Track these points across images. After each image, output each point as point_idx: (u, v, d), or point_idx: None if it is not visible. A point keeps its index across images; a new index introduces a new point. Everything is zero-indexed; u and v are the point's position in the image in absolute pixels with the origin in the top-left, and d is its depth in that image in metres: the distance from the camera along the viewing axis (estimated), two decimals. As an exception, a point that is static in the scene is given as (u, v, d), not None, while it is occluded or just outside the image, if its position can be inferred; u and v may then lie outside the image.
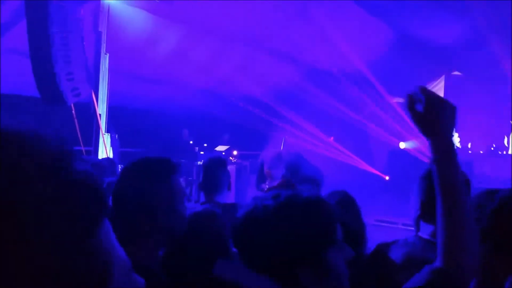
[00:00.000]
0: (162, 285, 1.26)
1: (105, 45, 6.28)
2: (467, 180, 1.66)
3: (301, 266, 0.91)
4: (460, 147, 11.24)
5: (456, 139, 11.46)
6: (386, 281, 1.51)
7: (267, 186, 4.83)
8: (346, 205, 1.91)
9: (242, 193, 7.83)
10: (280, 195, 0.97)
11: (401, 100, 10.30)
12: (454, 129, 1.04)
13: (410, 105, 1.04)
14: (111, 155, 5.77)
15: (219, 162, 2.76)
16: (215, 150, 9.16)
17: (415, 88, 1.05)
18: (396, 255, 1.57)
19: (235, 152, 9.11)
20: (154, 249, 1.33)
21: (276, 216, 0.93)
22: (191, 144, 9.05)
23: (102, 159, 4.39)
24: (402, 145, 11.32)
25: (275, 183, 4.69)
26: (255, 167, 9.05)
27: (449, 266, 0.94)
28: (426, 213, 1.58)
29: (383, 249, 1.64)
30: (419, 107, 1.03)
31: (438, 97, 1.04)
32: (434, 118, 1.02)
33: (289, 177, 4.63)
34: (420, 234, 1.59)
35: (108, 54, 6.27)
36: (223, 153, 8.92)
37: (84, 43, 5.63)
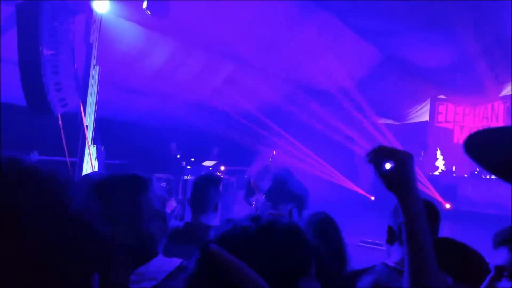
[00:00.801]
0: None
1: (95, 56, 6.26)
2: (434, 209, 1.71)
3: None
4: (444, 169, 11.38)
5: (440, 162, 11.62)
6: None
7: (254, 201, 4.83)
8: (326, 226, 1.92)
9: (229, 210, 7.78)
10: (261, 218, 0.95)
11: (388, 121, 10.45)
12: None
13: (375, 162, 1.06)
14: (96, 167, 5.71)
15: (211, 180, 2.68)
16: (202, 165, 9.12)
17: (372, 150, 1.07)
18: (363, 283, 1.58)
19: (222, 168, 9.09)
20: (123, 271, 1.27)
21: (256, 238, 0.90)
22: (178, 158, 9.01)
23: (91, 173, 4.34)
24: (388, 165, 11.38)
25: (261, 196, 4.70)
26: (242, 182, 9.05)
27: None
28: (393, 241, 1.62)
29: (352, 277, 1.65)
30: (385, 165, 1.04)
31: (403, 152, 1.05)
32: (405, 175, 1.03)
33: (274, 190, 4.65)
34: (386, 261, 1.62)
35: (98, 66, 6.25)
36: (210, 168, 8.89)
37: (75, 54, 5.62)
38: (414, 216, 1.02)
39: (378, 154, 1.06)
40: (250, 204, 5.00)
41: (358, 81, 10.39)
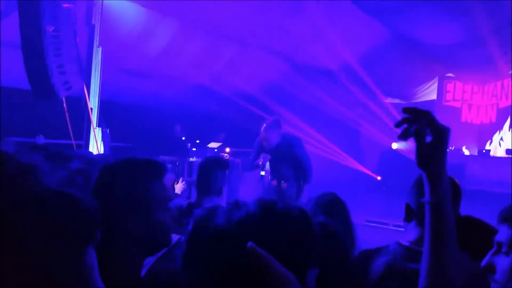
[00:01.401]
0: None
1: (98, 38, 6.21)
2: (457, 187, 1.66)
3: None
4: (452, 148, 11.30)
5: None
6: None
7: (261, 160, 4.84)
8: (335, 206, 1.90)
9: (234, 191, 7.80)
10: (269, 204, 0.86)
11: (395, 100, 10.32)
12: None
13: (418, 130, 0.95)
14: (102, 150, 5.72)
15: (217, 163, 2.63)
16: (208, 147, 9.12)
17: (417, 110, 0.95)
18: (377, 264, 1.55)
19: (227, 149, 9.08)
20: (135, 261, 1.21)
21: (264, 226, 0.82)
22: (183, 140, 9.00)
23: (96, 155, 4.34)
24: (395, 145, 11.36)
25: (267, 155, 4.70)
26: (247, 164, 9.05)
27: None
28: (411, 219, 1.58)
29: (365, 257, 1.61)
30: (427, 137, 0.95)
31: (446, 128, 0.95)
32: (440, 154, 0.95)
33: (280, 150, 4.67)
34: (400, 240, 1.59)
35: (101, 48, 6.20)
36: (216, 150, 8.89)
37: (77, 36, 5.56)
38: (442, 196, 0.95)
39: (419, 120, 0.94)
40: (257, 165, 5.00)
41: (364, 60, 10.24)
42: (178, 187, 3.56)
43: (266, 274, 0.70)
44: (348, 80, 10.56)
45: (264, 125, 4.87)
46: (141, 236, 1.17)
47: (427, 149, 0.95)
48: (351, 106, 11.28)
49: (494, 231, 1.61)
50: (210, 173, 2.56)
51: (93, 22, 6.18)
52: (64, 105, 5.59)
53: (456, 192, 1.63)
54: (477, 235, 1.52)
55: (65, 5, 5.03)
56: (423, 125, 0.94)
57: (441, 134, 0.93)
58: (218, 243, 0.78)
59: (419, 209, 1.55)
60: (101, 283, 0.73)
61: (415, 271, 1.45)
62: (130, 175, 1.20)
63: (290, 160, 4.74)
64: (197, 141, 9.47)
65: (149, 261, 1.34)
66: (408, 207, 1.60)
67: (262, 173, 4.87)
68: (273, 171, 4.91)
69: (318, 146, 10.67)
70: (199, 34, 8.47)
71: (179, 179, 3.67)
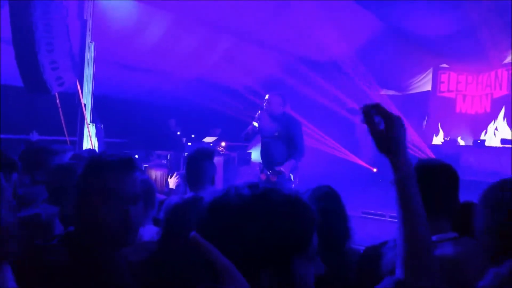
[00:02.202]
0: (120, 274, 1.22)
1: (90, 33, 6.15)
2: (454, 174, 1.65)
3: (265, 266, 0.82)
4: (447, 139, 11.34)
5: (441, 134, 11.57)
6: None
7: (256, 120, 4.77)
8: (331, 199, 1.89)
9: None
10: (258, 186, 0.88)
11: (390, 92, 10.35)
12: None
13: (369, 120, 1.07)
14: (96, 146, 5.69)
15: (205, 154, 2.67)
16: (203, 141, 9.10)
17: (369, 104, 1.08)
18: (388, 258, 1.54)
19: (223, 144, 9.07)
20: (108, 254, 1.27)
21: (250, 205, 0.83)
22: (178, 134, 8.97)
23: (83, 150, 4.33)
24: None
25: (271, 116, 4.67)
26: (243, 158, 9.03)
27: (408, 278, 1.01)
28: None
29: (372, 254, 1.62)
30: (378, 124, 1.07)
31: (394, 115, 1.08)
32: (395, 136, 1.06)
33: (280, 124, 4.65)
34: None
35: (93, 43, 6.15)
36: (211, 144, 8.87)
37: (69, 31, 5.51)
38: (405, 176, 1.05)
39: (371, 112, 1.07)
40: (247, 133, 4.95)
41: (359, 52, 10.23)
42: (172, 181, 3.54)
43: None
44: (343, 73, 10.54)
45: (273, 92, 4.91)
46: (113, 229, 1.23)
47: (382, 136, 1.07)
48: (347, 98, 11.28)
49: None
50: (199, 165, 2.59)
51: (85, 17, 6.12)
52: (57, 101, 5.55)
53: (453, 179, 1.64)
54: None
55: (56, -1, 4.98)
56: (373, 115, 1.07)
57: (390, 121, 1.06)
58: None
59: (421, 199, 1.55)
60: None
61: None
62: (100, 170, 1.27)
63: (285, 137, 4.74)
64: (192, 136, 9.44)
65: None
66: None
67: (255, 123, 4.82)
68: (265, 153, 4.88)
69: (315, 138, 10.67)
70: (194, 27, 8.40)
71: (173, 173, 3.65)
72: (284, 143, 4.76)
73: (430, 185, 1.56)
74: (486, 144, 10.61)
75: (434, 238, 1.50)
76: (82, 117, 5.70)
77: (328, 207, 1.78)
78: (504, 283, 0.67)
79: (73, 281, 1.12)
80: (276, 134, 4.77)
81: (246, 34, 9.09)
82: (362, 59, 10.33)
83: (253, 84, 10.00)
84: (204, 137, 9.31)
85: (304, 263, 0.86)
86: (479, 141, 10.68)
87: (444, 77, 11.73)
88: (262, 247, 0.82)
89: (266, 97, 4.91)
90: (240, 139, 5.21)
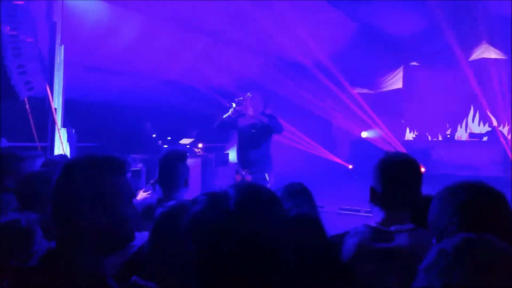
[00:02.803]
0: None
1: (59, 35, 6.01)
2: (417, 168, 1.71)
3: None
4: (418, 134, 11.62)
5: (411, 128, 11.84)
6: (341, 272, 1.54)
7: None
8: (303, 196, 1.91)
9: (208, 187, 7.77)
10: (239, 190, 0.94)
11: (363, 90, 10.49)
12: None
13: None
14: (68, 151, 5.56)
15: (177, 156, 2.64)
16: (180, 143, 9.02)
17: None
18: (348, 245, 1.59)
19: (200, 145, 9.01)
20: (98, 254, 1.22)
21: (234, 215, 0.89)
22: (153, 137, 8.87)
23: (55, 155, 4.23)
24: (364, 134, 11.57)
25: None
26: (221, 159, 8.99)
27: None
28: (375, 201, 1.62)
29: (335, 241, 1.66)
30: None
31: None
32: None
33: (260, 124, 4.66)
34: (368, 222, 1.63)
35: (63, 45, 6.01)
36: (188, 146, 8.80)
37: (37, 34, 5.36)
38: None
39: None
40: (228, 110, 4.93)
41: (332, 51, 10.36)
42: (141, 195, 3.38)
43: None
44: (318, 72, 10.66)
45: (252, 92, 4.91)
46: (105, 231, 1.18)
47: None
48: (322, 97, 11.40)
49: None
50: (173, 167, 2.56)
51: (54, 19, 5.98)
52: (27, 106, 5.40)
53: (416, 173, 1.68)
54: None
55: (19, 2, 4.84)
56: None
57: None
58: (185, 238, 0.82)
59: (383, 191, 1.60)
60: None
61: (385, 250, 1.50)
62: (94, 171, 1.20)
63: (263, 133, 4.75)
64: (168, 138, 9.35)
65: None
66: (372, 190, 1.64)
67: (234, 104, 4.81)
68: (241, 151, 4.87)
69: (291, 137, 10.75)
70: (168, 28, 8.32)
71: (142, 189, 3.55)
72: (261, 140, 4.77)
73: (393, 178, 1.61)
74: (456, 138, 10.93)
75: (392, 228, 1.55)
76: (53, 122, 5.57)
77: (300, 203, 1.80)
78: (447, 259, 0.70)
79: None
80: (253, 131, 4.77)
81: (222, 35, 9.06)
82: (335, 59, 10.47)
83: (229, 85, 9.99)
84: (181, 139, 9.23)
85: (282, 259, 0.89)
86: (448, 136, 10.99)
87: (414, 74, 12.00)
88: (250, 249, 0.87)
89: (248, 94, 4.90)
90: (214, 130, 5.14)
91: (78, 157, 1.27)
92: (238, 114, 4.87)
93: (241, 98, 4.86)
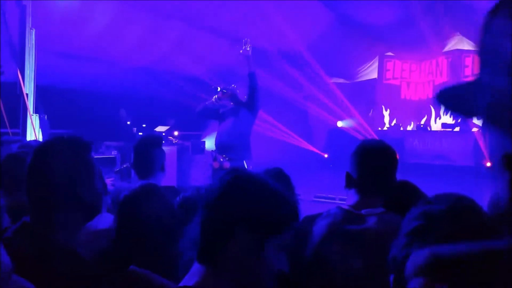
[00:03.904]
0: (82, 265, 1.22)
1: (30, 19, 5.82)
2: (392, 154, 1.76)
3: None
4: (392, 125, 11.83)
5: (387, 119, 12.04)
6: (311, 252, 1.58)
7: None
8: (281, 180, 1.94)
9: (184, 174, 7.73)
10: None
11: (339, 80, 10.55)
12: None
13: None
14: (40, 137, 5.43)
15: (151, 141, 2.61)
16: (155, 130, 8.93)
17: None
18: (319, 226, 1.63)
19: (176, 133, 8.94)
20: (73, 228, 1.30)
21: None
22: (128, 125, 8.74)
23: (30, 141, 4.13)
24: (340, 123, 11.71)
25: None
26: (197, 147, 8.94)
27: None
28: (351, 186, 1.67)
29: (307, 222, 1.70)
30: None
31: None
32: None
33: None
34: (341, 205, 1.68)
35: (34, 30, 5.83)
36: (163, 134, 8.72)
37: (6, 18, 5.19)
38: None
39: None
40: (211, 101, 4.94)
41: (309, 41, 10.38)
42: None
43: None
44: (294, 61, 10.67)
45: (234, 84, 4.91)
46: (82, 203, 1.28)
47: None
48: (298, 87, 11.44)
49: (424, 195, 1.74)
50: (147, 153, 2.55)
51: (23, 2, 5.78)
52: (-3, 91, 5.23)
53: (391, 159, 1.74)
54: (410, 198, 1.65)
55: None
56: None
57: None
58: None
59: (359, 176, 1.65)
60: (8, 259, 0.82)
61: (354, 231, 1.55)
62: (68, 150, 1.31)
63: (242, 127, 4.75)
64: (144, 125, 9.23)
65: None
66: (348, 175, 1.69)
67: (216, 97, 4.82)
68: (220, 137, 4.86)
69: (267, 127, 10.77)
70: (141, 14, 8.16)
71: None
72: (241, 128, 4.76)
73: (369, 164, 1.66)
74: (429, 128, 11.19)
75: (363, 212, 1.60)
76: (25, 108, 5.42)
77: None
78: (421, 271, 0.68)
79: (36, 272, 1.10)
80: (234, 118, 4.77)
81: (196, 22, 8.95)
82: (312, 48, 10.50)
83: (204, 73, 9.90)
84: (156, 126, 9.13)
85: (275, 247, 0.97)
86: (422, 126, 11.23)
87: (389, 65, 12.17)
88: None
89: (233, 85, 4.89)
90: (195, 115, 5.11)
91: (49, 139, 1.39)
92: (220, 103, 4.86)
93: (224, 90, 4.86)
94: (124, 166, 4.73)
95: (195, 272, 0.98)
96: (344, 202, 1.74)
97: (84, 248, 1.30)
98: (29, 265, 1.11)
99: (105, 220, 1.49)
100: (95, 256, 1.36)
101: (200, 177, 7.21)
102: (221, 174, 1.05)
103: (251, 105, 4.76)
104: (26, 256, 1.13)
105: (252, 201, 1.00)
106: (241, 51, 4.97)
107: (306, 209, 2.13)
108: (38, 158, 1.30)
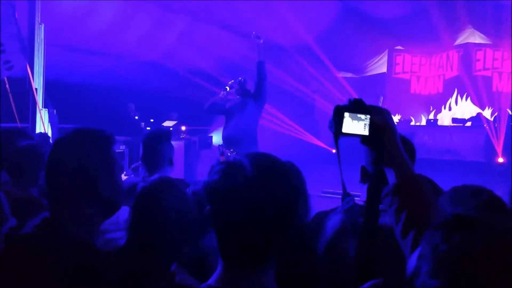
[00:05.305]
0: (100, 260, 1.20)
1: (39, 14, 5.85)
2: (411, 146, 1.74)
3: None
4: (401, 120, 11.73)
5: (396, 115, 11.96)
6: (326, 247, 1.57)
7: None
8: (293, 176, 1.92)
9: (191, 169, 7.76)
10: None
11: (347, 74, 10.50)
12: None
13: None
14: (49, 132, 5.48)
15: (160, 135, 2.62)
16: (162, 125, 8.95)
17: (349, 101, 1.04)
18: (333, 221, 1.62)
19: (183, 128, 8.96)
20: (93, 222, 1.28)
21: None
22: (136, 119, 8.77)
23: (35, 134, 4.17)
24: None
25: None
26: (204, 142, 8.96)
27: None
28: (366, 180, 1.65)
29: (320, 217, 1.68)
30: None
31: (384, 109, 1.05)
32: (381, 144, 1.04)
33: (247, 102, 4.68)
34: (356, 200, 1.66)
35: (43, 24, 5.86)
36: (171, 129, 8.74)
37: (16, 12, 5.22)
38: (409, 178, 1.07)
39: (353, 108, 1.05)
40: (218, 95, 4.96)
41: (317, 34, 10.30)
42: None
43: None
44: (302, 56, 10.61)
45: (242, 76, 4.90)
46: (103, 198, 1.25)
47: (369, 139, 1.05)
48: (305, 81, 11.39)
49: (440, 190, 1.72)
50: (157, 147, 2.56)
51: (33, -3, 5.81)
52: (7, 86, 5.28)
53: (411, 151, 1.72)
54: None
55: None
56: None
57: (383, 116, 1.06)
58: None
59: (374, 171, 1.62)
60: None
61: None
62: (93, 144, 1.28)
63: (249, 121, 4.74)
64: (151, 120, 9.26)
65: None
66: (363, 169, 1.67)
67: (227, 88, 4.82)
68: (226, 130, 4.86)
69: (275, 121, 10.75)
70: (148, 8, 8.16)
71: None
72: (248, 121, 4.75)
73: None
74: (439, 123, 11.07)
75: (380, 207, 1.58)
76: (34, 103, 5.46)
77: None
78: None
79: (57, 268, 1.10)
80: (241, 112, 4.77)
81: (203, 16, 8.92)
82: (320, 42, 10.42)
83: (212, 67, 9.89)
84: (164, 121, 9.16)
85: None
86: (432, 121, 11.12)
87: (399, 59, 12.06)
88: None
89: (240, 78, 4.89)
90: (203, 112, 5.12)
91: (69, 132, 1.31)
92: (228, 97, 4.87)
93: (232, 81, 4.85)
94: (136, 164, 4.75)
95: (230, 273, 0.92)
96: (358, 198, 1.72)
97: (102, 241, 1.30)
98: (50, 260, 1.11)
99: (121, 212, 1.49)
100: (114, 249, 1.36)
101: (207, 172, 7.22)
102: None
103: (258, 95, 4.75)
104: (47, 252, 1.13)
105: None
106: (253, 33, 4.92)
107: (314, 205, 2.12)
108: (59, 152, 1.26)
